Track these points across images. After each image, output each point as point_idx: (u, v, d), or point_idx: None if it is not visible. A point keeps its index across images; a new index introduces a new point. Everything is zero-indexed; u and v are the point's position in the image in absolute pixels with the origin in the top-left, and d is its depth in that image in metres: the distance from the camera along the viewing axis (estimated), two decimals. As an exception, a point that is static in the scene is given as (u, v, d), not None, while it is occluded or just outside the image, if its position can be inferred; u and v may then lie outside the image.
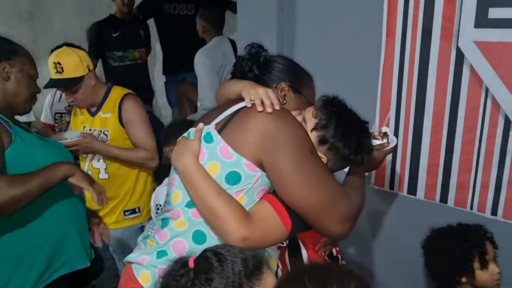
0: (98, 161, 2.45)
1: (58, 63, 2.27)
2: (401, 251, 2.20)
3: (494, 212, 1.88)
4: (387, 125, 2.04)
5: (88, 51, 2.56)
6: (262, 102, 1.22)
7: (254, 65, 1.41)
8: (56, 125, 3.32)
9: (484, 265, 1.68)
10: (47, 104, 3.33)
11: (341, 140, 1.28)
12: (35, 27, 5.05)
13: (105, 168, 2.46)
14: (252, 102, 1.23)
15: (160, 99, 4.73)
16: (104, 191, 1.74)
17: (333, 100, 1.34)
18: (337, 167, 1.35)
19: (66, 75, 2.27)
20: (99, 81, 2.44)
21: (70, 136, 2.30)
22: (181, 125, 1.98)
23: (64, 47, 2.36)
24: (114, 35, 3.55)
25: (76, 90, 2.32)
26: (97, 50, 3.75)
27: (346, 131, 1.29)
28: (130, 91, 2.49)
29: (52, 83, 2.33)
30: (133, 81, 3.63)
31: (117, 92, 2.46)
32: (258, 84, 1.33)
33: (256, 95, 1.24)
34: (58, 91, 3.32)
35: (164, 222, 1.30)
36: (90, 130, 2.45)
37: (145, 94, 3.84)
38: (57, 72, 2.27)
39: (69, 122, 3.29)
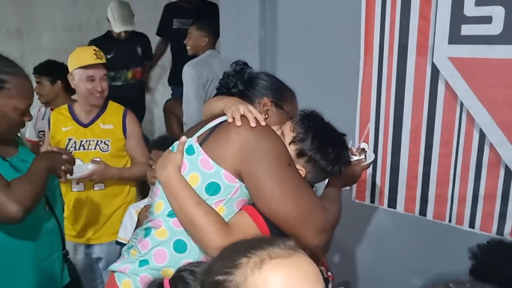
0: None
1: (98, 50, 2.43)
2: (384, 264, 2.22)
3: (471, 224, 1.91)
4: (367, 137, 2.08)
5: None
6: (243, 117, 1.26)
7: (239, 81, 1.47)
8: (40, 142, 3.31)
9: None
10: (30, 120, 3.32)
11: (318, 152, 1.33)
12: (24, 43, 5.08)
13: None
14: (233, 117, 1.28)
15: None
16: None
17: (310, 114, 1.39)
18: (316, 179, 1.40)
19: (104, 60, 2.44)
20: None
21: (82, 169, 2.26)
22: (164, 142, 2.00)
23: None
24: (108, 56, 3.56)
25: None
26: None
27: (323, 144, 1.34)
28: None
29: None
30: (123, 101, 3.66)
31: (115, 106, 2.53)
32: (242, 100, 1.38)
33: (236, 110, 1.29)
34: (42, 107, 3.34)
35: (147, 231, 1.33)
36: (81, 141, 2.44)
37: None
38: (97, 58, 2.40)
39: None
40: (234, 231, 1.23)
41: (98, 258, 2.56)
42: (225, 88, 1.48)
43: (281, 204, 1.23)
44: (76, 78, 2.41)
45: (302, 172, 1.33)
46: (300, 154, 1.33)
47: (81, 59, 2.40)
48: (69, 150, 2.38)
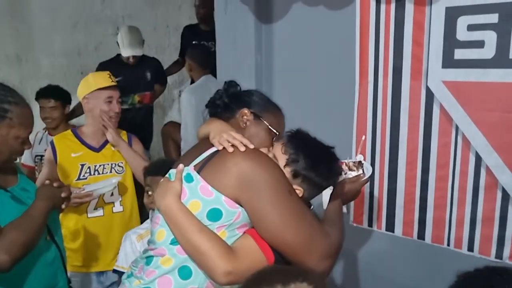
0: (112, 195, 2.42)
1: (111, 74, 2.51)
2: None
3: (470, 248, 1.89)
4: (363, 149, 2.07)
5: None
6: (232, 144, 1.27)
7: (224, 94, 1.50)
8: (36, 167, 3.31)
9: None
10: None
11: (312, 170, 1.34)
12: (22, 69, 5.12)
13: (120, 201, 2.45)
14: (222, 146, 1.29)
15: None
16: None
17: (297, 133, 1.41)
18: (313, 195, 1.41)
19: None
20: None
21: (106, 184, 2.27)
22: (159, 168, 1.99)
23: None
24: (116, 79, 3.62)
25: None
26: None
27: (315, 161, 1.35)
28: None
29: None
30: (128, 125, 3.62)
31: (119, 130, 2.56)
32: (224, 124, 1.40)
33: (221, 139, 1.30)
34: (39, 132, 3.34)
35: (149, 259, 1.33)
36: (95, 166, 2.44)
37: (140, 138, 3.83)
38: (112, 81, 2.48)
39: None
40: (239, 255, 1.23)
41: (113, 283, 2.52)
42: (211, 103, 1.52)
43: (283, 233, 1.23)
44: (93, 100, 2.43)
45: (299, 191, 1.35)
46: (295, 175, 1.35)
47: (98, 82, 2.44)
48: (83, 176, 2.39)
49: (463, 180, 1.87)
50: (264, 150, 1.36)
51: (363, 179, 1.55)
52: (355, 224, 2.21)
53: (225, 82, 1.55)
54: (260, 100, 1.50)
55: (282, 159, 1.35)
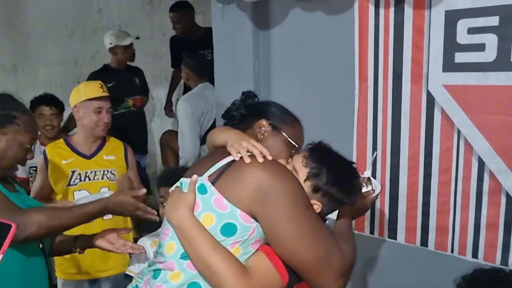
0: None
1: (103, 84, 2.52)
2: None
3: (475, 255, 1.86)
4: (371, 165, 2.04)
5: None
6: (250, 154, 1.23)
7: (241, 106, 1.47)
8: (31, 179, 3.27)
9: None
10: None
11: (334, 186, 1.30)
12: (19, 79, 5.09)
13: None
14: (240, 155, 1.24)
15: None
16: None
17: (319, 146, 1.37)
18: (331, 210, 1.38)
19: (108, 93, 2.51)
20: None
21: (97, 198, 2.24)
22: (170, 178, 1.97)
23: None
24: (109, 85, 3.64)
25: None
26: None
27: (337, 177, 1.31)
28: None
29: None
30: (128, 128, 3.70)
31: (115, 140, 2.61)
32: (243, 134, 1.35)
33: (240, 147, 1.26)
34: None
35: (157, 273, 1.28)
36: (85, 172, 2.46)
37: (139, 141, 3.87)
38: (103, 91, 2.49)
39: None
40: (253, 275, 1.19)
41: None
42: (227, 113, 1.48)
43: (298, 249, 1.19)
44: (83, 110, 2.45)
45: (318, 206, 1.30)
46: (316, 190, 1.30)
47: (88, 92, 2.46)
48: (74, 182, 2.43)
49: (466, 185, 1.84)
50: (282, 161, 1.32)
51: (372, 195, 1.53)
52: (356, 232, 2.18)
53: (243, 92, 1.51)
54: (278, 111, 1.46)
55: (303, 172, 1.31)
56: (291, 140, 1.41)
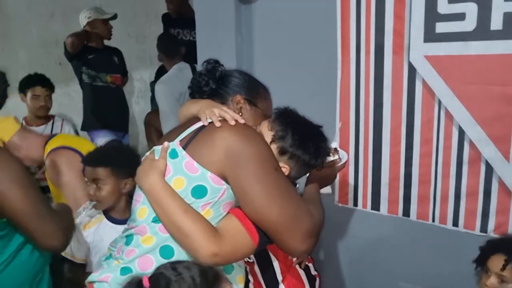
0: None
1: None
2: (371, 268, 2.19)
3: (455, 223, 1.89)
4: (346, 137, 2.06)
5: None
6: (223, 120, 1.24)
7: (211, 80, 1.43)
8: None
9: None
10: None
11: (299, 147, 1.32)
12: (-1, 60, 4.99)
13: None
14: (210, 121, 1.25)
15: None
16: None
17: (285, 111, 1.38)
18: (300, 174, 1.39)
19: None
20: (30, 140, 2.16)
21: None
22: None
23: None
24: (89, 56, 3.68)
25: None
26: (76, 59, 3.75)
27: (303, 138, 1.33)
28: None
29: None
30: (105, 104, 3.72)
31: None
32: (215, 103, 1.35)
33: (211, 113, 1.26)
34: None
35: (129, 238, 1.29)
36: None
37: (119, 120, 3.86)
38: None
39: (38, 180, 3.19)
40: (224, 236, 1.21)
41: None
42: (196, 87, 1.44)
43: (267, 210, 1.20)
44: None
45: (286, 169, 1.32)
46: (282, 152, 1.32)
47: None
48: None
49: (447, 155, 1.86)
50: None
51: (339, 164, 1.55)
52: (340, 205, 2.20)
53: (205, 62, 1.46)
54: (252, 84, 1.45)
55: (268, 136, 1.32)
56: (266, 113, 1.42)
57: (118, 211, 1.85)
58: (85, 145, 2.20)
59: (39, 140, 2.15)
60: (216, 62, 1.47)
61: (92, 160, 1.84)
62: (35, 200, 1.41)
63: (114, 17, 3.74)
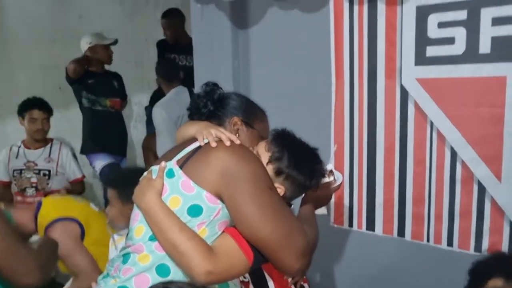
0: None
1: None
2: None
3: (449, 243, 1.91)
4: (341, 159, 2.10)
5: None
6: (219, 140, 1.27)
7: (209, 101, 1.47)
8: (14, 182, 3.26)
9: None
10: (2, 160, 3.29)
11: (295, 168, 1.35)
12: (-1, 83, 5.04)
13: None
14: (206, 141, 1.28)
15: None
16: None
17: (282, 132, 1.42)
18: (295, 195, 1.42)
19: None
20: (21, 216, 2.18)
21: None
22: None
23: None
24: (90, 81, 3.76)
25: None
26: (77, 83, 3.81)
27: (298, 160, 1.36)
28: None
29: None
30: (104, 128, 3.77)
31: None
32: (212, 124, 1.39)
33: (208, 134, 1.30)
34: (13, 146, 3.32)
35: (126, 257, 1.30)
36: None
37: (118, 143, 3.89)
38: None
39: (29, 178, 3.25)
40: (219, 255, 1.22)
41: None
42: (195, 109, 1.48)
43: (261, 228, 1.22)
44: None
45: (281, 190, 1.35)
46: (278, 172, 1.35)
47: None
48: None
49: (440, 175, 1.89)
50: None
51: (334, 185, 1.58)
52: (335, 225, 2.21)
53: (204, 84, 1.51)
54: (249, 107, 1.49)
55: (265, 156, 1.36)
56: (263, 135, 1.45)
57: None
58: (76, 206, 2.24)
59: (28, 214, 2.18)
60: (215, 84, 1.52)
61: (106, 180, 1.89)
62: (11, 240, 1.43)
63: (115, 42, 3.82)
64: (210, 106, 1.46)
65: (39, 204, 2.22)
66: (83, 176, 3.47)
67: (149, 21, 4.50)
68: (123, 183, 1.86)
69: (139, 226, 1.30)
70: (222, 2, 2.33)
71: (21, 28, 4.99)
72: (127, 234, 1.38)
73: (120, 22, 4.64)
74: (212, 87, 1.49)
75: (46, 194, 3.21)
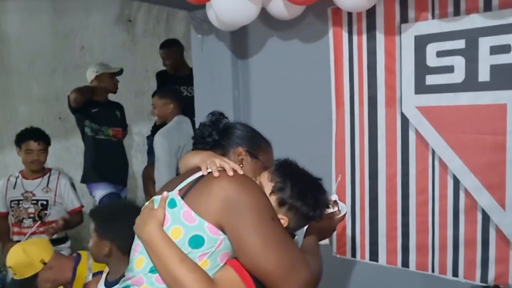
0: None
1: (10, 267, 2.23)
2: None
3: (455, 273, 1.87)
4: (342, 188, 2.08)
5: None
6: (222, 170, 1.26)
7: (214, 131, 1.47)
8: (12, 213, 3.23)
9: None
10: None
11: (298, 199, 1.34)
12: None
13: None
14: (209, 171, 1.27)
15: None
16: None
17: (285, 162, 1.41)
18: (299, 226, 1.40)
19: (19, 276, 2.19)
20: (62, 262, 2.24)
21: None
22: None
23: (16, 246, 2.30)
24: (93, 110, 3.75)
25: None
26: (80, 113, 3.81)
27: (302, 190, 1.34)
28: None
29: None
30: (106, 157, 3.75)
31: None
32: (216, 154, 1.38)
33: (211, 163, 1.29)
34: (11, 176, 3.30)
35: None
36: None
37: (119, 173, 3.87)
38: (14, 274, 2.23)
39: (26, 208, 3.22)
40: (220, 287, 1.20)
41: None
42: (200, 138, 1.48)
43: (263, 259, 1.20)
44: None
45: (285, 220, 1.33)
46: (281, 203, 1.34)
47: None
48: None
49: (443, 204, 1.87)
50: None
51: (338, 216, 1.56)
52: (338, 256, 2.17)
53: (210, 113, 1.51)
54: (253, 137, 1.49)
55: (268, 187, 1.34)
56: (267, 166, 1.44)
57: (111, 273, 1.83)
58: None
59: (69, 264, 2.20)
60: (221, 114, 1.52)
61: (90, 211, 1.87)
62: None
63: (121, 71, 3.86)
64: (215, 135, 1.46)
65: (78, 256, 2.23)
66: (82, 206, 3.43)
67: (150, 52, 4.55)
68: (102, 217, 1.85)
69: (139, 257, 1.27)
70: (222, 33, 2.36)
71: (22, 60, 5.05)
72: (128, 266, 1.35)
73: (121, 53, 4.70)
74: (217, 116, 1.50)
75: (43, 224, 3.17)
